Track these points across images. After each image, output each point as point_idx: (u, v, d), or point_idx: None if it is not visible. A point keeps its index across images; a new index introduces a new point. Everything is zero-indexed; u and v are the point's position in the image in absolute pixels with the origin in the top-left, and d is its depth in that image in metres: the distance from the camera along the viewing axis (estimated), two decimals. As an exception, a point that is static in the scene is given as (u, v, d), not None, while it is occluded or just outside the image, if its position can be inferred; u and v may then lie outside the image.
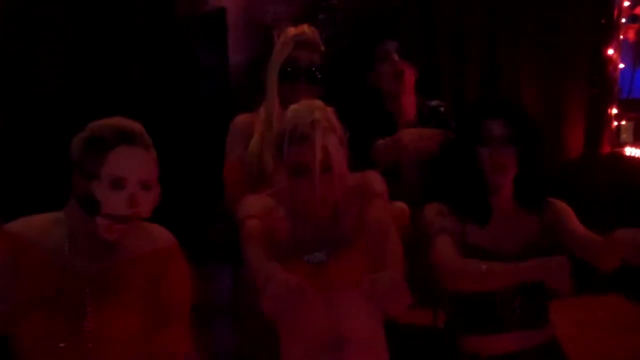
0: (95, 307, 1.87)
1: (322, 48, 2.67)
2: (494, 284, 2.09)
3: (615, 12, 4.21)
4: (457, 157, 2.28)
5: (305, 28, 2.62)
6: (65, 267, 1.89)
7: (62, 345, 1.84)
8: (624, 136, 4.36)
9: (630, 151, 4.24)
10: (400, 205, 2.35)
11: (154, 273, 1.94)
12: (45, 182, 3.29)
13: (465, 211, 2.23)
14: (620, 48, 4.28)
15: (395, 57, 2.70)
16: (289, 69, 2.56)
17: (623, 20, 4.26)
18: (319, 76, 2.58)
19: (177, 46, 3.81)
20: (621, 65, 4.30)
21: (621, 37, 4.27)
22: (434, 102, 2.86)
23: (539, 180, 2.27)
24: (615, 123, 4.32)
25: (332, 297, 1.98)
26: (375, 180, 2.11)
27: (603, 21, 4.20)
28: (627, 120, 4.37)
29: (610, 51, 4.23)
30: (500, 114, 2.20)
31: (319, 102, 2.05)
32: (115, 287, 1.90)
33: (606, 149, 4.30)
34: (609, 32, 4.22)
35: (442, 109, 2.81)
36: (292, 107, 2.06)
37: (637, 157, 4.16)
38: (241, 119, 2.70)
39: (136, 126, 1.90)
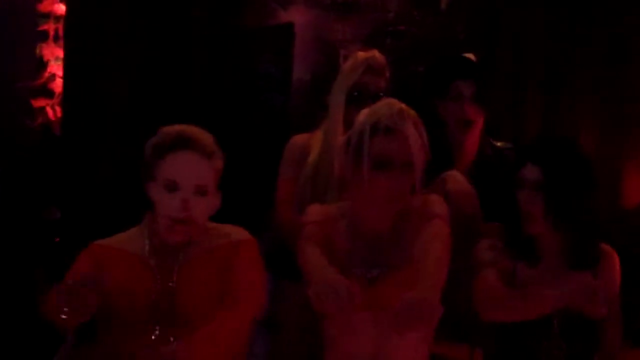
0: (176, 296, 1.96)
1: (388, 73, 2.67)
2: (532, 309, 2.04)
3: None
4: (501, 197, 2.26)
5: (375, 53, 2.64)
6: (149, 265, 2.00)
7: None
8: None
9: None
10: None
11: (227, 260, 2.01)
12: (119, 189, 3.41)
13: (513, 247, 2.20)
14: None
15: (468, 103, 2.65)
16: (356, 93, 2.57)
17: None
18: None
19: (243, 56, 3.86)
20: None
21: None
22: (499, 143, 2.82)
23: (588, 241, 2.19)
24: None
25: (381, 316, 1.95)
26: (437, 202, 2.08)
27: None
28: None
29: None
30: (537, 159, 2.15)
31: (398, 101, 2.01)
32: (194, 276, 1.99)
33: (664, 202, 4.21)
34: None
35: (507, 152, 2.77)
36: (365, 110, 2.04)
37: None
38: (298, 139, 2.73)
39: (199, 134, 1.96)
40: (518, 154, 2.27)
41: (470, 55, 2.79)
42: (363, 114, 2.02)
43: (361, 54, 2.65)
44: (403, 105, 1.97)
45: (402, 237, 2.03)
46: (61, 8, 3.96)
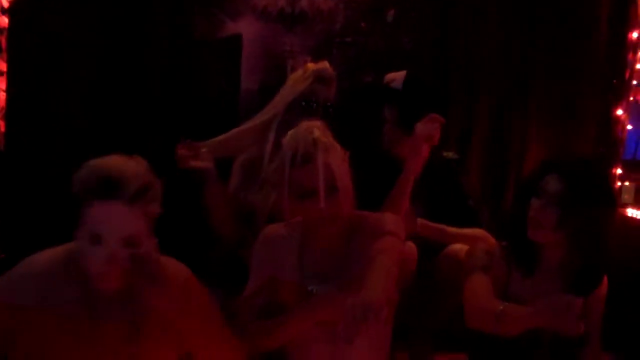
0: (127, 354, 1.79)
1: (335, 84, 2.69)
2: (509, 327, 2.02)
3: (627, 74, 4.23)
4: (513, 202, 2.28)
5: (326, 64, 2.66)
6: (89, 324, 1.78)
7: None
8: (625, 197, 4.35)
9: (631, 212, 4.23)
10: (409, 245, 2.34)
11: (178, 312, 1.85)
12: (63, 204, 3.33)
13: (512, 254, 2.19)
14: (630, 110, 4.29)
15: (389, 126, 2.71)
16: (304, 102, 2.58)
17: (634, 82, 4.27)
18: (331, 112, 2.60)
19: (192, 68, 3.84)
20: (629, 127, 4.31)
21: (631, 98, 4.28)
22: (449, 154, 2.83)
23: (594, 265, 2.19)
24: (619, 183, 4.31)
25: (333, 332, 1.94)
26: (390, 219, 2.11)
27: (615, 82, 4.21)
28: (630, 181, 4.35)
29: (620, 112, 4.24)
30: (564, 172, 2.14)
31: (317, 122, 2.06)
32: (144, 335, 1.82)
33: (608, 208, 4.28)
34: (619, 93, 4.23)
35: (454, 163, 2.79)
36: (290, 132, 2.06)
37: (638, 219, 4.14)
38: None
39: (126, 174, 1.72)
40: (542, 165, 2.25)
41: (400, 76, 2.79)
42: (285, 142, 2.05)
43: (311, 65, 2.69)
44: (317, 134, 1.99)
45: (354, 254, 2.04)
46: (4, 20, 3.89)
